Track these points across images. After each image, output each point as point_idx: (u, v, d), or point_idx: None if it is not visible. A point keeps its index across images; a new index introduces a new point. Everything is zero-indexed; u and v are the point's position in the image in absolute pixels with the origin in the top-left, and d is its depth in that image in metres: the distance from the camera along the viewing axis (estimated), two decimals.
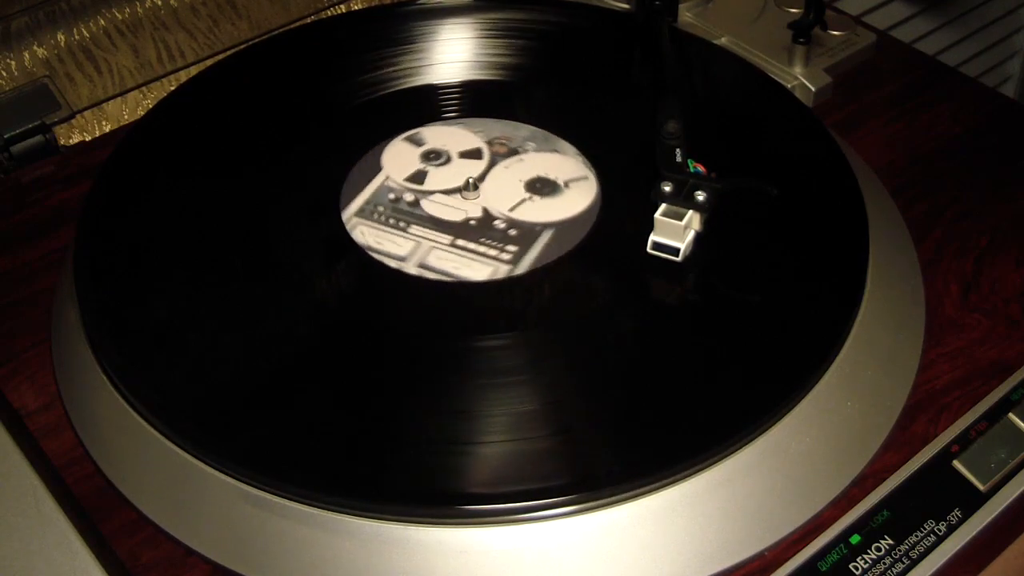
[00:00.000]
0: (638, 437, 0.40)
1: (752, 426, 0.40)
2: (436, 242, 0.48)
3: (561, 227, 0.49)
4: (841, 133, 0.56)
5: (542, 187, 0.50)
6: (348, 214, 0.49)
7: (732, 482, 0.39)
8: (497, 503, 0.38)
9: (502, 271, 0.46)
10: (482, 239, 0.48)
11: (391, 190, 0.51)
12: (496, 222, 0.49)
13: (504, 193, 0.51)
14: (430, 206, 0.50)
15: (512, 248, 0.48)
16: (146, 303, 0.45)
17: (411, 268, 0.46)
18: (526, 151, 0.53)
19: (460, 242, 0.48)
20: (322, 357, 0.43)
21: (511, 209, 0.50)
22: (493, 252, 0.47)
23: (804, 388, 0.41)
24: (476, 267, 0.47)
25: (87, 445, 0.43)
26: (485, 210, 0.50)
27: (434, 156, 0.52)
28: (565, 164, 0.52)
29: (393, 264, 0.47)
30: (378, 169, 0.52)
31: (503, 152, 0.52)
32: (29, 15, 0.60)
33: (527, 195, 0.50)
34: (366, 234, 0.48)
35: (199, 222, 0.49)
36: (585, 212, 0.49)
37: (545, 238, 0.48)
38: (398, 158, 0.53)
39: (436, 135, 0.54)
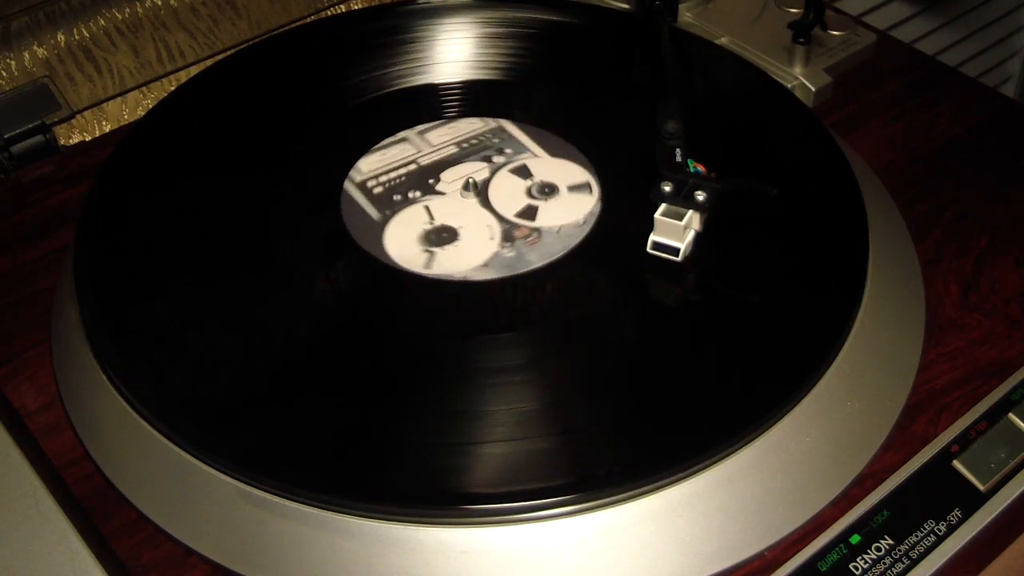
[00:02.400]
0: (638, 437, 0.40)
1: (752, 426, 0.40)
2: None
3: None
4: (841, 133, 0.56)
5: (543, 191, 0.50)
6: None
7: (732, 482, 0.39)
8: (498, 503, 0.38)
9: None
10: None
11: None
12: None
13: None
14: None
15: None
16: (146, 303, 0.45)
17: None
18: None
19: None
20: (322, 357, 0.43)
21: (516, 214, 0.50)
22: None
23: (804, 388, 0.41)
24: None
25: (87, 445, 0.43)
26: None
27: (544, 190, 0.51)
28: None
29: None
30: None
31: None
32: (29, 15, 0.60)
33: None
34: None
35: (199, 222, 0.49)
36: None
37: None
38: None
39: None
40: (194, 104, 0.57)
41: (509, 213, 0.50)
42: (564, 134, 0.54)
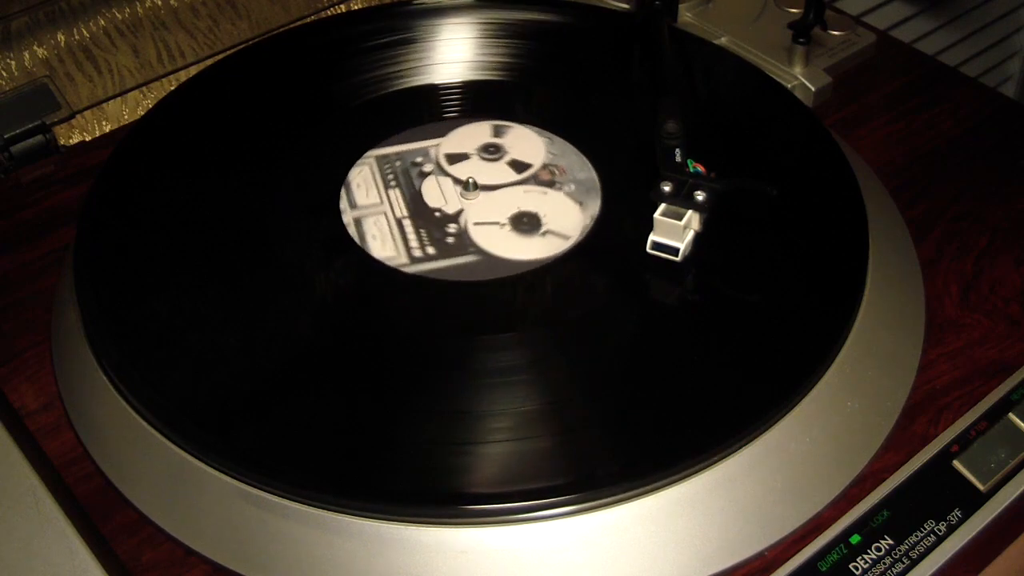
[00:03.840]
0: (638, 437, 0.40)
1: (752, 426, 0.40)
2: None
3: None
4: (841, 133, 0.56)
5: (524, 223, 0.49)
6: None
7: (732, 482, 0.39)
8: (497, 503, 0.38)
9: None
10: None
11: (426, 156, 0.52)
12: (450, 226, 0.49)
13: (488, 212, 0.50)
14: (429, 183, 0.51)
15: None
16: (146, 303, 0.45)
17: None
18: (560, 190, 0.51)
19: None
20: (322, 357, 0.43)
21: (477, 224, 0.50)
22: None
23: (804, 388, 0.41)
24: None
25: (87, 445, 0.43)
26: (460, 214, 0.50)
27: (492, 149, 0.51)
28: (573, 217, 0.49)
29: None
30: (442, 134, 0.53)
31: (545, 179, 0.51)
32: (29, 15, 0.60)
33: (504, 224, 0.49)
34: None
35: (199, 222, 0.49)
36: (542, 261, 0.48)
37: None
38: (465, 136, 0.53)
39: (516, 138, 0.54)
40: (194, 104, 0.57)
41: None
42: (564, 134, 0.54)
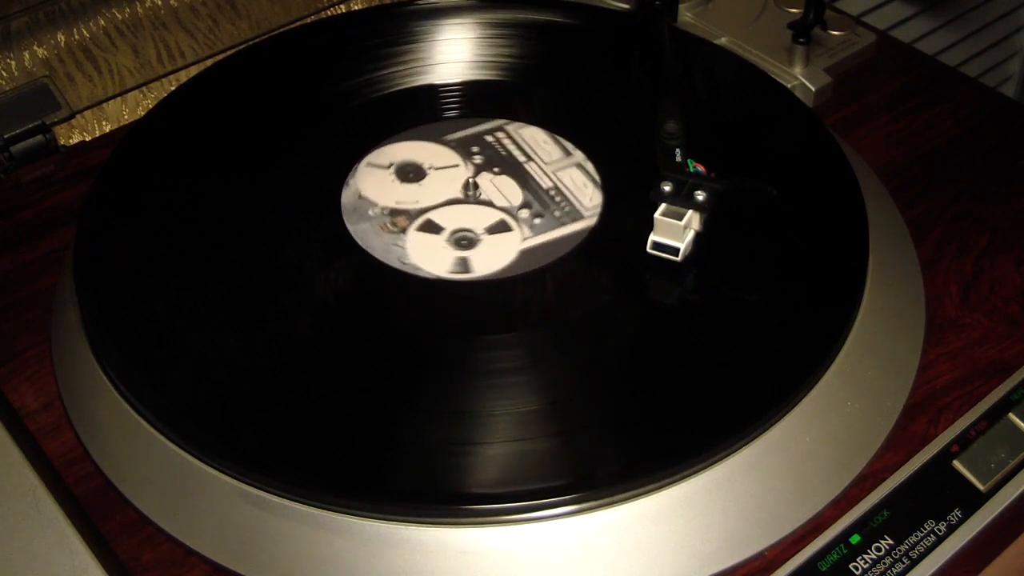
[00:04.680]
0: (638, 437, 0.40)
1: (752, 426, 0.40)
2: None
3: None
4: (841, 133, 0.56)
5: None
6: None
7: (732, 482, 0.39)
8: (497, 503, 0.38)
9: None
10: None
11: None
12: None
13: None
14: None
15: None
16: (146, 303, 0.45)
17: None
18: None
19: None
20: (322, 357, 0.43)
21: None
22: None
23: (804, 388, 0.41)
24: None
25: (87, 445, 0.43)
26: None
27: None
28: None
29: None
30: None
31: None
32: (29, 15, 0.60)
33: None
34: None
35: (199, 222, 0.49)
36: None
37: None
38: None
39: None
40: (194, 104, 0.57)
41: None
42: (564, 134, 0.54)
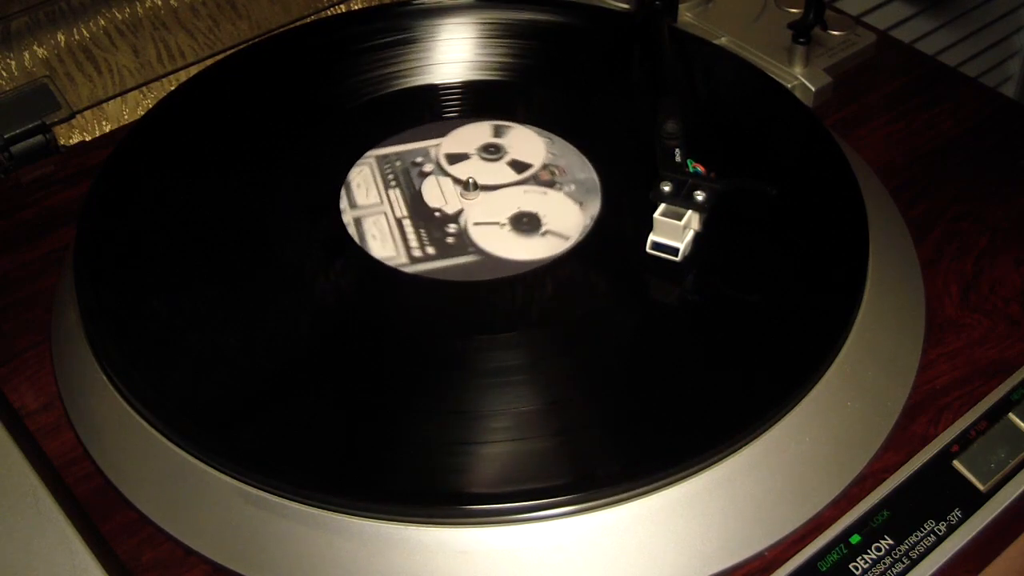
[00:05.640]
0: (638, 437, 0.40)
1: (752, 426, 0.40)
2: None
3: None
4: (841, 133, 0.56)
5: (524, 223, 0.49)
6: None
7: (732, 482, 0.39)
8: (497, 503, 0.38)
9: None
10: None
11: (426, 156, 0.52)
12: (449, 226, 0.49)
13: (489, 212, 0.50)
14: (429, 183, 0.51)
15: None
16: (146, 303, 0.45)
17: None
18: (560, 190, 0.51)
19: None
20: (322, 357, 0.43)
21: (477, 224, 0.50)
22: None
23: (804, 388, 0.41)
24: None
25: (87, 445, 0.43)
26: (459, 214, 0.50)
27: (493, 149, 0.52)
28: (572, 217, 0.49)
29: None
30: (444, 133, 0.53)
31: (545, 179, 0.51)
32: (29, 15, 0.60)
33: (504, 224, 0.49)
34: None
35: (199, 222, 0.49)
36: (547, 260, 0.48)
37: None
38: (465, 136, 0.54)
39: (517, 138, 0.54)
40: (194, 104, 0.57)
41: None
42: (564, 134, 0.54)
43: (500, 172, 0.52)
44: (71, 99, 0.62)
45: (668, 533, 0.38)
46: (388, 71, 0.58)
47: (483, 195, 0.51)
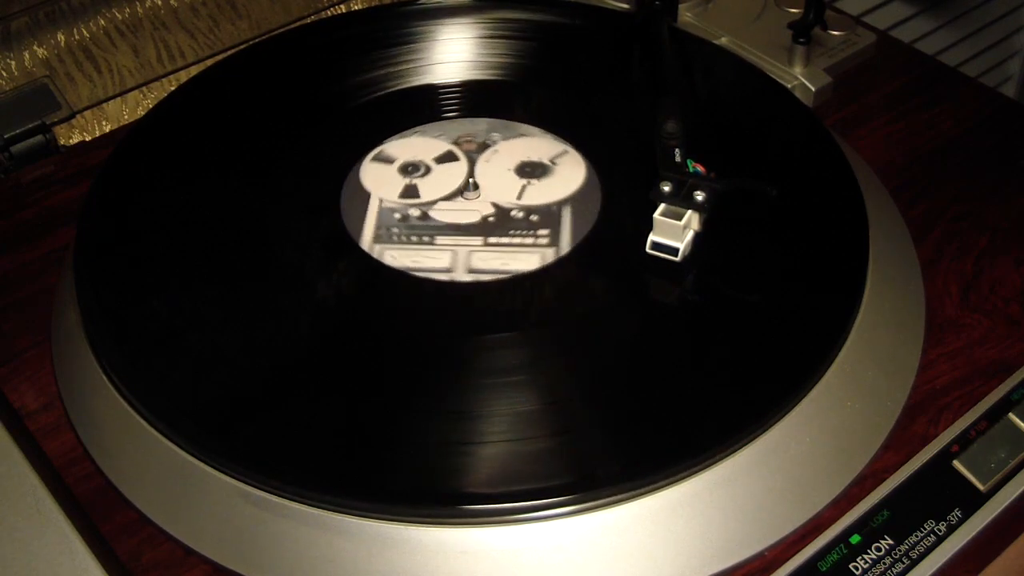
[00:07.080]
0: (638, 437, 0.40)
1: (752, 426, 0.40)
2: (471, 245, 0.48)
3: (574, 201, 0.50)
4: (841, 133, 0.56)
5: (533, 170, 0.51)
6: (367, 243, 0.48)
7: (732, 482, 0.39)
8: (497, 503, 0.38)
9: (549, 255, 0.47)
10: (511, 231, 0.48)
11: (393, 210, 0.50)
12: (513, 212, 0.49)
13: (502, 185, 0.51)
14: (441, 215, 0.50)
15: (543, 231, 0.48)
16: (146, 303, 0.45)
17: (462, 276, 0.46)
18: (494, 142, 0.53)
19: (493, 239, 0.48)
20: (322, 357, 0.43)
21: (518, 197, 0.50)
22: (529, 240, 0.48)
23: (804, 388, 0.41)
24: (522, 257, 0.47)
25: (87, 445, 0.43)
26: (495, 204, 0.50)
27: (412, 168, 0.52)
28: (539, 145, 0.53)
29: (444, 277, 0.46)
30: (366, 194, 0.51)
31: (474, 148, 0.53)
32: (29, 15, 0.60)
33: (524, 181, 0.51)
34: (397, 257, 0.47)
35: (199, 222, 0.49)
36: (587, 181, 0.51)
37: (567, 214, 0.49)
38: (378, 178, 0.52)
39: (402, 149, 0.53)
40: (194, 104, 0.57)
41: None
42: (564, 134, 0.54)
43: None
44: (71, 99, 0.62)
45: (668, 533, 0.38)
46: (388, 71, 0.58)
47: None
